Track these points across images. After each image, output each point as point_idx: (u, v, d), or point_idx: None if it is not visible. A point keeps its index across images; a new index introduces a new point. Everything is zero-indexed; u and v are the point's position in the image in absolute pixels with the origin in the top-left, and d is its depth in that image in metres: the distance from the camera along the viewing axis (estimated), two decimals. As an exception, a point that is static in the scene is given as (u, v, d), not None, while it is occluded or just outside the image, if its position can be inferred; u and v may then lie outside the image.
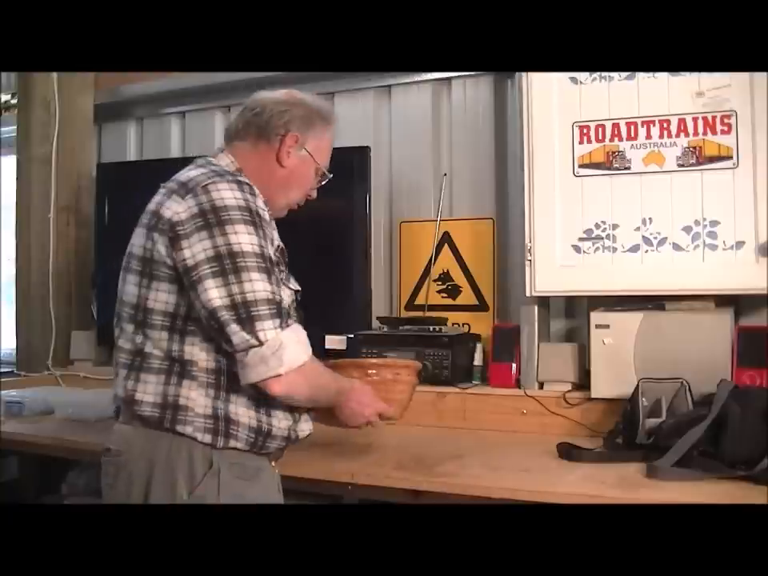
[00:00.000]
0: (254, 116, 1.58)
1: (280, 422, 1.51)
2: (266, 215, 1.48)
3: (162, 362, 1.44)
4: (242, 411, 1.46)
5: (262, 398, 1.47)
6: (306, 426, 1.58)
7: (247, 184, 1.47)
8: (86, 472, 2.42)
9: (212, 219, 1.40)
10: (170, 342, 1.44)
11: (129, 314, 1.48)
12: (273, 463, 1.57)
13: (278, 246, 1.53)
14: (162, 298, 1.44)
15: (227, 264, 1.38)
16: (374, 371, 1.83)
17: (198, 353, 1.44)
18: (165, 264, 1.43)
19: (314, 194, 1.69)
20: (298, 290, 1.57)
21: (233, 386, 1.45)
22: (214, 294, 1.37)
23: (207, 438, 1.43)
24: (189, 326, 1.43)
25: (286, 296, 1.50)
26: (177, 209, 1.42)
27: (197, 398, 1.43)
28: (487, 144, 2.57)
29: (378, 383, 1.84)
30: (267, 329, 1.37)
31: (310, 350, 1.46)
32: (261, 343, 1.37)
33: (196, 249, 1.39)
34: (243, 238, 1.40)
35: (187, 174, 1.50)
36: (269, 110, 1.58)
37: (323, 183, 1.69)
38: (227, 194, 1.42)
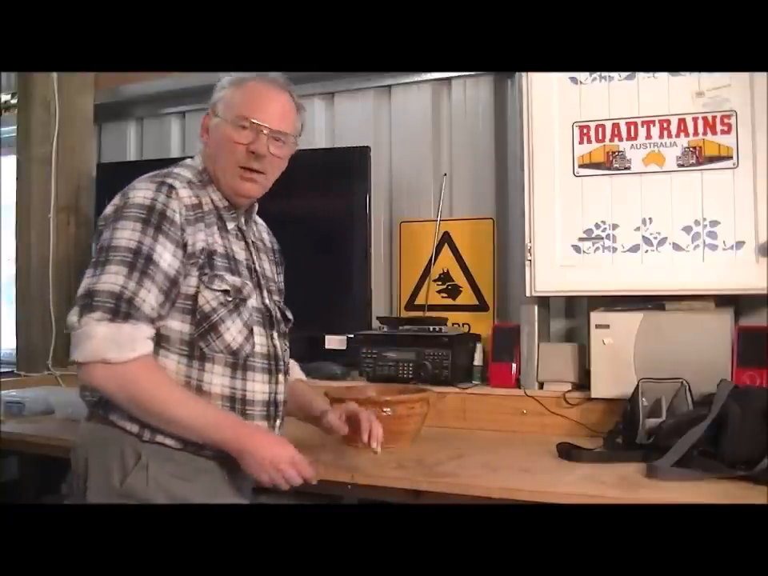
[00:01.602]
0: None
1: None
2: (178, 218, 1.46)
3: None
4: None
5: None
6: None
7: (170, 186, 1.48)
8: (86, 472, 2.42)
9: (114, 216, 1.48)
10: None
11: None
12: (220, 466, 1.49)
13: (203, 249, 1.49)
14: None
15: (100, 257, 1.44)
16: (388, 409, 1.83)
17: None
18: None
19: (261, 149, 1.53)
20: (225, 290, 1.50)
21: None
22: (82, 283, 1.43)
23: (134, 429, 1.45)
24: None
25: (211, 298, 1.47)
26: (106, 210, 1.52)
27: None
28: (487, 144, 2.57)
29: (390, 418, 1.85)
30: (92, 318, 1.38)
31: (138, 353, 1.39)
32: (77, 328, 1.40)
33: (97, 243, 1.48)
34: (124, 234, 1.44)
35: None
36: None
37: (277, 138, 1.55)
38: (138, 194, 1.48)
